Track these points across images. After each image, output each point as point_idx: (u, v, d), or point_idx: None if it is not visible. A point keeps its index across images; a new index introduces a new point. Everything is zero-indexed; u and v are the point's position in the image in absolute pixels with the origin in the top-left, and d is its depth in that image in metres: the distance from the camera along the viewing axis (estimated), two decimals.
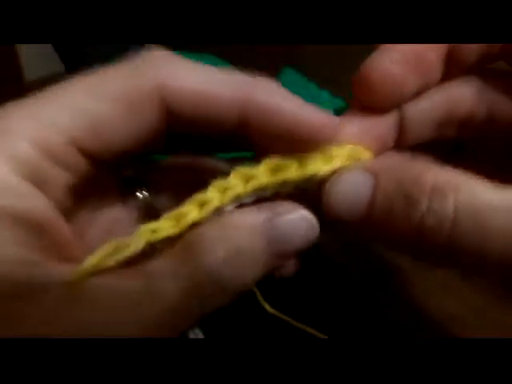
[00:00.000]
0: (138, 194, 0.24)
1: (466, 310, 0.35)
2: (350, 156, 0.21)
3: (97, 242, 0.19)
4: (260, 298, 0.36)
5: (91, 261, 0.18)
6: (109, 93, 0.20)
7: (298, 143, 0.20)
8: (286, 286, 0.36)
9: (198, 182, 0.20)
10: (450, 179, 0.19)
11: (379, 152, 0.23)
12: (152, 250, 0.20)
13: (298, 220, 0.20)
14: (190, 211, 0.20)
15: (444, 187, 0.18)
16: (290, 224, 0.20)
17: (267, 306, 0.35)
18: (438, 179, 0.19)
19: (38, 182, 0.19)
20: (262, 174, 0.21)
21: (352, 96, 0.23)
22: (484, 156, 0.25)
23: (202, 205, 0.20)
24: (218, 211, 0.20)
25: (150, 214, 0.24)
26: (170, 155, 0.25)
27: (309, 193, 0.21)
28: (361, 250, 0.39)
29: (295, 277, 0.37)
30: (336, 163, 0.21)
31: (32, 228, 0.18)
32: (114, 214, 0.24)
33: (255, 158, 0.21)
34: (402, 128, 0.24)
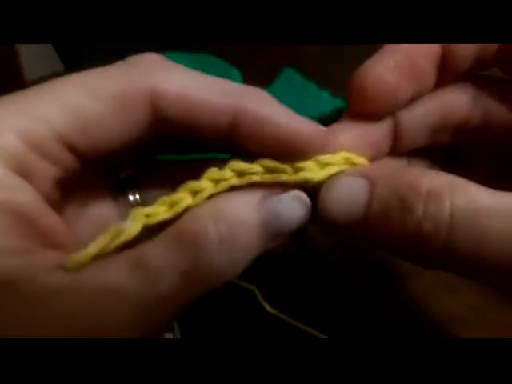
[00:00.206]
0: (130, 196, 0.24)
1: (466, 310, 0.35)
2: (345, 162, 0.22)
3: (84, 240, 0.19)
4: (260, 297, 0.36)
5: (90, 248, 0.18)
6: (101, 92, 0.20)
7: (286, 152, 0.21)
8: (285, 286, 0.36)
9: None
10: (446, 184, 0.19)
11: (374, 159, 0.23)
12: (147, 235, 0.20)
13: (292, 199, 0.20)
14: (184, 198, 0.20)
15: (440, 192, 0.18)
16: (284, 203, 0.20)
17: (267, 306, 0.35)
18: (434, 184, 0.19)
19: (25, 173, 0.19)
20: (257, 171, 0.21)
21: (348, 102, 0.23)
22: (479, 162, 0.25)
23: (195, 193, 0.20)
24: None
25: None
26: (176, 155, 0.26)
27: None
28: (360, 250, 0.39)
29: (295, 277, 0.37)
30: (331, 169, 0.21)
31: (19, 217, 0.19)
32: (104, 213, 0.24)
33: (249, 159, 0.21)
34: (396, 135, 0.24)
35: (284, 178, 0.21)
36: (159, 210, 0.20)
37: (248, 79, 0.48)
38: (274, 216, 0.19)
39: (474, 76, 0.24)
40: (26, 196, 0.19)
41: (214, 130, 0.21)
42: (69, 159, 0.21)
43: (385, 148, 0.24)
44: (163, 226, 0.19)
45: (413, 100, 0.23)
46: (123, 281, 0.18)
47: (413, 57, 0.22)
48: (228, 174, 0.21)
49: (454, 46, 0.22)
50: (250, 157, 0.21)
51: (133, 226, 0.19)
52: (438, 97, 0.23)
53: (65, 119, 0.20)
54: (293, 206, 0.20)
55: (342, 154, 0.21)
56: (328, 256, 0.38)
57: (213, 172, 0.21)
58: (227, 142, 0.21)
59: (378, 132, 0.23)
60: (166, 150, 0.25)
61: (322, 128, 0.21)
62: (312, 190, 0.21)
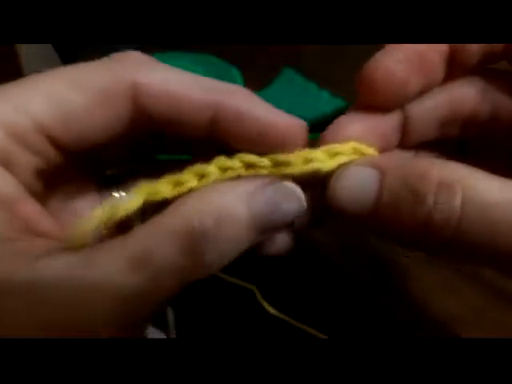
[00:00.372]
0: (115, 193, 0.24)
1: (466, 310, 0.35)
2: (354, 152, 0.22)
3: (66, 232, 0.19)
4: (260, 297, 0.36)
5: (88, 221, 0.18)
6: (84, 85, 0.20)
7: (267, 146, 0.21)
8: (285, 286, 0.36)
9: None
10: (457, 174, 0.19)
11: (383, 151, 0.23)
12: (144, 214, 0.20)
13: (282, 191, 0.20)
14: (189, 180, 0.20)
15: (450, 182, 0.18)
16: (274, 194, 0.20)
17: (267, 306, 0.35)
18: (445, 174, 0.19)
19: (5, 163, 0.20)
20: (266, 165, 0.21)
21: (356, 95, 0.23)
22: (487, 155, 0.25)
23: (201, 176, 0.21)
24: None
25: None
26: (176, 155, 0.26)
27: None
28: (361, 249, 0.39)
29: (295, 277, 0.37)
30: (340, 159, 0.21)
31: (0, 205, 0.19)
32: (88, 209, 0.23)
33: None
34: (405, 127, 0.24)
35: (293, 169, 0.21)
36: (163, 188, 0.20)
37: (248, 79, 0.48)
38: (264, 209, 0.19)
39: (483, 69, 0.24)
40: (6, 185, 0.19)
41: (195, 125, 0.21)
42: (51, 151, 0.21)
43: (393, 140, 0.24)
44: (158, 205, 0.20)
45: (422, 93, 0.23)
46: (122, 278, 0.17)
47: (422, 50, 0.22)
48: (237, 164, 0.21)
49: None
50: (231, 153, 0.21)
51: (134, 200, 0.19)
52: (446, 90, 0.23)
53: (47, 111, 0.20)
54: (284, 200, 0.20)
55: (352, 144, 0.22)
56: (327, 255, 0.38)
57: (222, 160, 0.21)
58: (209, 137, 0.21)
59: (387, 124, 0.23)
60: (151, 149, 0.25)
61: (301, 122, 0.21)
62: (322, 180, 0.21)
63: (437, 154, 0.26)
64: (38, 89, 0.20)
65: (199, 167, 0.20)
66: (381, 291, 0.36)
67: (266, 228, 0.20)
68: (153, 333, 0.22)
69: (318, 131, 0.23)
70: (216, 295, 0.35)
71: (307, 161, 0.21)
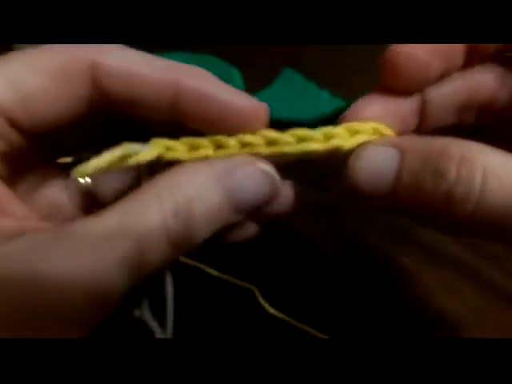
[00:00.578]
0: (81, 179, 0.24)
1: (466, 310, 0.35)
2: (374, 132, 0.22)
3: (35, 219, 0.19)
4: (260, 297, 0.36)
5: (98, 160, 0.18)
6: (41, 66, 0.20)
7: (227, 127, 0.21)
8: (285, 285, 0.36)
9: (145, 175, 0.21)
10: (477, 150, 0.19)
11: (400, 134, 0.23)
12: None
13: (256, 172, 0.20)
14: (206, 147, 0.20)
15: (471, 157, 0.19)
16: (248, 175, 0.20)
17: (267, 306, 0.35)
18: (465, 151, 0.19)
19: None
20: (289, 141, 0.21)
21: (356, 95, 0.23)
22: (501, 145, 0.25)
23: (218, 146, 0.21)
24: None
25: (91, 200, 0.23)
26: None
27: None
28: (361, 249, 0.39)
29: (295, 277, 0.37)
30: (360, 138, 0.21)
31: None
32: (55, 195, 0.24)
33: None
34: (423, 112, 0.24)
35: (315, 146, 0.21)
36: (178, 148, 0.20)
37: (248, 79, 0.48)
38: (236, 189, 0.20)
39: (503, 57, 0.24)
40: None
41: (154, 105, 0.21)
42: (12, 134, 0.21)
43: (411, 124, 0.24)
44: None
45: (441, 78, 0.23)
46: (113, 270, 0.18)
47: None
48: (258, 140, 0.21)
49: None
50: (191, 133, 0.21)
51: (149, 152, 0.19)
52: (465, 76, 0.23)
53: (6, 93, 0.20)
54: (256, 180, 0.20)
55: (372, 124, 0.22)
56: (328, 253, 0.38)
57: (244, 135, 0.21)
58: (169, 118, 0.21)
59: (406, 107, 0.23)
60: (115, 134, 0.25)
61: (262, 103, 0.21)
62: (343, 158, 0.21)
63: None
64: None
65: (219, 137, 0.20)
66: (381, 291, 0.36)
67: (240, 207, 0.20)
68: (149, 320, 0.22)
69: None
70: (216, 295, 0.35)
71: (328, 137, 0.21)
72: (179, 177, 0.19)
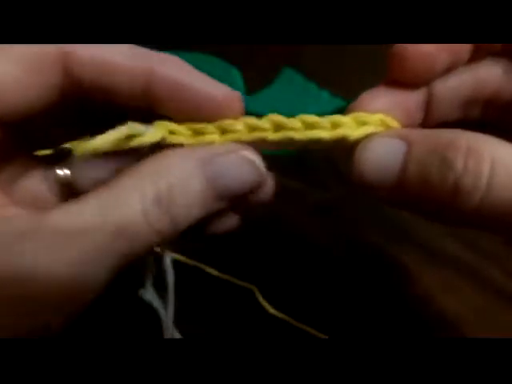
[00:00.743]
0: (59, 171, 0.24)
1: (466, 310, 0.35)
2: (381, 124, 0.22)
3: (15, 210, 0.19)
4: (260, 297, 0.36)
5: (101, 138, 0.18)
6: (12, 55, 0.20)
7: (200, 116, 0.21)
8: (285, 285, 0.36)
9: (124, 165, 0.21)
10: (484, 141, 0.19)
11: (407, 127, 0.23)
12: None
13: (239, 159, 0.20)
14: (211, 132, 0.20)
15: (479, 148, 0.19)
16: (230, 162, 0.20)
17: (267, 306, 0.35)
18: (472, 142, 0.19)
19: None
20: (295, 126, 0.21)
21: (356, 95, 0.23)
22: (506, 139, 0.25)
23: (224, 131, 0.21)
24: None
25: (70, 191, 0.23)
26: None
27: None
28: (361, 249, 0.39)
29: (296, 276, 0.37)
30: (367, 129, 0.21)
31: None
32: (35, 185, 0.23)
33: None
34: (428, 105, 0.24)
35: (322, 134, 0.21)
36: (183, 132, 0.20)
37: (248, 79, 0.48)
38: (219, 176, 0.20)
39: (509, 51, 0.23)
40: None
41: (128, 93, 0.21)
42: None
43: (417, 117, 0.24)
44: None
45: (447, 71, 0.23)
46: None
47: None
48: (266, 124, 0.21)
49: None
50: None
51: (153, 134, 0.19)
52: (471, 70, 0.23)
53: None
54: (239, 168, 0.20)
55: (379, 116, 0.22)
56: (328, 252, 0.38)
57: (251, 119, 0.21)
58: (143, 106, 0.21)
59: (412, 100, 0.23)
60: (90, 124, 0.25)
61: (236, 92, 0.21)
62: (350, 149, 0.21)
63: None
64: None
65: (226, 121, 0.20)
66: (381, 291, 0.36)
67: (223, 194, 0.20)
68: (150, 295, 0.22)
69: None
70: (216, 295, 0.35)
71: (335, 125, 0.21)
72: (161, 164, 0.19)
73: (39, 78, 0.20)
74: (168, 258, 0.22)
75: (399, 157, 0.20)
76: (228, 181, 0.20)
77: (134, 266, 0.23)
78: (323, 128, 0.21)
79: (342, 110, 0.23)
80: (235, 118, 0.21)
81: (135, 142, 0.19)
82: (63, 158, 0.24)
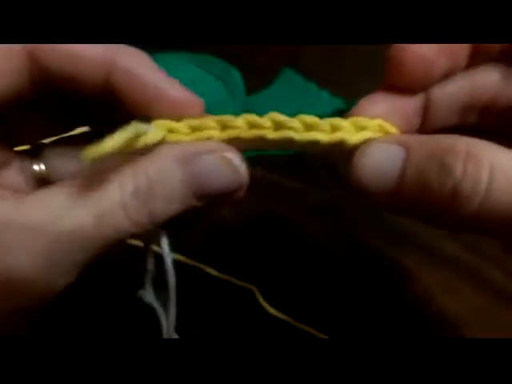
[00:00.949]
0: (35, 166, 0.24)
1: (466, 310, 0.35)
2: (380, 130, 0.22)
3: None
4: (260, 297, 0.36)
5: (108, 142, 0.18)
6: None
7: (155, 110, 0.21)
8: (286, 285, 0.36)
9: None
10: (483, 147, 0.19)
11: (405, 133, 0.23)
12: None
13: (218, 160, 0.20)
14: (211, 127, 0.21)
15: (478, 152, 0.19)
16: (210, 163, 0.20)
17: (267, 306, 0.35)
18: (471, 147, 0.19)
19: None
20: (295, 126, 0.21)
21: (356, 95, 0.23)
22: (503, 145, 0.25)
23: (224, 127, 0.21)
24: (234, 140, 0.21)
25: (46, 185, 0.23)
26: None
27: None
28: (361, 249, 0.39)
29: (296, 276, 0.37)
30: (366, 134, 0.21)
31: None
32: (12, 177, 0.24)
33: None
34: (426, 111, 0.24)
35: (320, 136, 0.21)
36: (181, 129, 0.20)
37: (248, 79, 0.48)
38: (197, 176, 0.20)
39: (507, 58, 0.23)
40: None
41: (89, 82, 0.21)
42: None
43: (415, 123, 0.24)
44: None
45: (446, 77, 0.23)
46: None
47: None
48: (267, 123, 0.21)
49: None
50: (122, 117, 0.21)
51: (156, 133, 0.20)
52: (469, 76, 0.23)
53: None
54: (219, 169, 0.20)
55: (378, 121, 0.22)
56: (328, 251, 0.38)
57: (252, 116, 0.21)
58: (105, 97, 0.22)
59: (410, 105, 0.23)
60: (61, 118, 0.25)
61: (191, 93, 0.22)
62: (348, 153, 0.21)
63: None
64: None
65: (225, 117, 0.21)
66: (381, 291, 0.36)
67: (201, 193, 0.20)
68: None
69: None
70: (216, 295, 0.35)
71: (335, 128, 0.21)
72: (144, 160, 0.20)
73: (6, 64, 0.21)
74: (169, 258, 0.22)
75: (398, 162, 0.20)
76: (206, 181, 0.20)
77: (134, 267, 0.23)
78: (322, 130, 0.21)
79: (342, 111, 0.23)
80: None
81: (140, 142, 0.19)
82: (39, 152, 0.25)
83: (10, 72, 0.21)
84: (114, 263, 0.32)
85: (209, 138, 0.21)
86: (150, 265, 0.22)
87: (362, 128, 0.21)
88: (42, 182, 0.24)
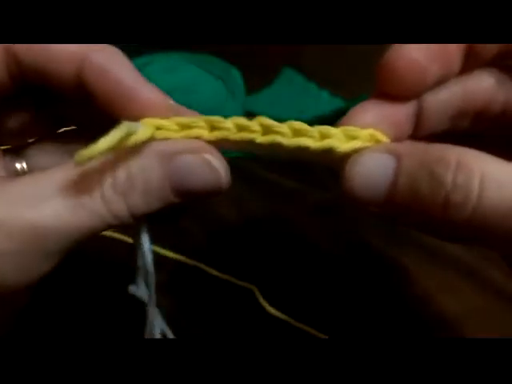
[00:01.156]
0: (18, 165, 0.24)
1: (466, 310, 0.35)
2: (370, 139, 0.22)
3: None
4: (260, 297, 0.36)
5: (100, 143, 0.18)
6: None
7: (125, 109, 0.21)
8: (286, 285, 0.36)
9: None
10: (473, 156, 0.19)
11: (396, 140, 0.23)
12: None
13: (199, 160, 0.21)
14: (199, 126, 0.21)
15: (469, 162, 0.19)
16: (190, 162, 0.21)
17: (267, 306, 0.35)
18: (462, 157, 0.19)
19: None
20: (284, 131, 0.21)
21: (356, 95, 0.23)
22: (495, 150, 0.25)
23: (213, 128, 0.21)
24: (224, 142, 0.21)
25: None
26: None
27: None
28: (361, 249, 0.39)
29: (296, 276, 0.37)
30: (356, 143, 0.21)
31: None
32: None
33: None
34: (418, 118, 0.24)
35: (308, 142, 0.21)
36: (169, 127, 0.21)
37: (248, 79, 0.48)
38: (176, 174, 0.20)
39: (501, 63, 0.23)
40: None
41: (61, 77, 0.21)
42: None
43: (407, 130, 0.24)
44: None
45: (438, 84, 0.23)
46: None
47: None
48: (254, 126, 0.21)
49: None
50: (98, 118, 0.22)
51: (144, 131, 0.20)
52: (462, 82, 0.23)
53: None
54: (198, 169, 0.21)
55: (370, 131, 0.22)
56: (328, 251, 0.38)
57: (241, 119, 0.21)
58: (78, 93, 0.22)
59: (402, 113, 0.23)
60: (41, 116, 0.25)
61: (162, 95, 0.22)
62: (338, 162, 0.21)
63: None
64: None
65: (214, 117, 0.21)
66: (381, 291, 0.36)
67: (180, 191, 0.21)
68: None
69: None
70: (216, 295, 0.35)
71: (324, 136, 0.21)
72: (128, 155, 0.20)
73: None
74: (149, 252, 0.22)
75: (389, 171, 0.20)
76: (184, 179, 0.21)
77: (125, 261, 0.23)
78: (311, 137, 0.21)
79: (342, 111, 0.23)
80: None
81: (131, 141, 0.19)
82: (21, 150, 0.25)
83: None
84: (107, 258, 0.32)
85: (198, 137, 0.21)
86: (140, 260, 0.22)
87: (352, 137, 0.21)
88: None
